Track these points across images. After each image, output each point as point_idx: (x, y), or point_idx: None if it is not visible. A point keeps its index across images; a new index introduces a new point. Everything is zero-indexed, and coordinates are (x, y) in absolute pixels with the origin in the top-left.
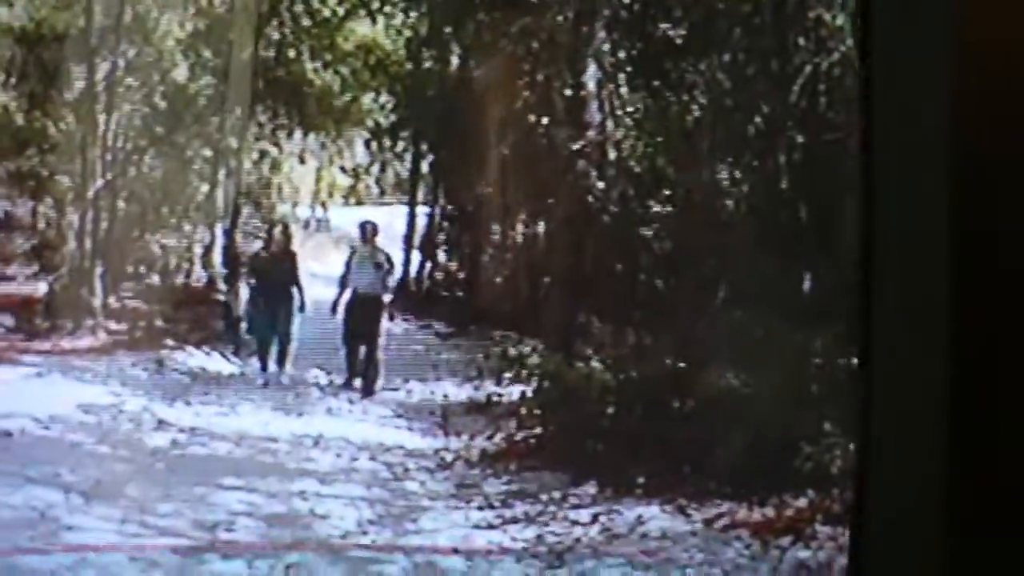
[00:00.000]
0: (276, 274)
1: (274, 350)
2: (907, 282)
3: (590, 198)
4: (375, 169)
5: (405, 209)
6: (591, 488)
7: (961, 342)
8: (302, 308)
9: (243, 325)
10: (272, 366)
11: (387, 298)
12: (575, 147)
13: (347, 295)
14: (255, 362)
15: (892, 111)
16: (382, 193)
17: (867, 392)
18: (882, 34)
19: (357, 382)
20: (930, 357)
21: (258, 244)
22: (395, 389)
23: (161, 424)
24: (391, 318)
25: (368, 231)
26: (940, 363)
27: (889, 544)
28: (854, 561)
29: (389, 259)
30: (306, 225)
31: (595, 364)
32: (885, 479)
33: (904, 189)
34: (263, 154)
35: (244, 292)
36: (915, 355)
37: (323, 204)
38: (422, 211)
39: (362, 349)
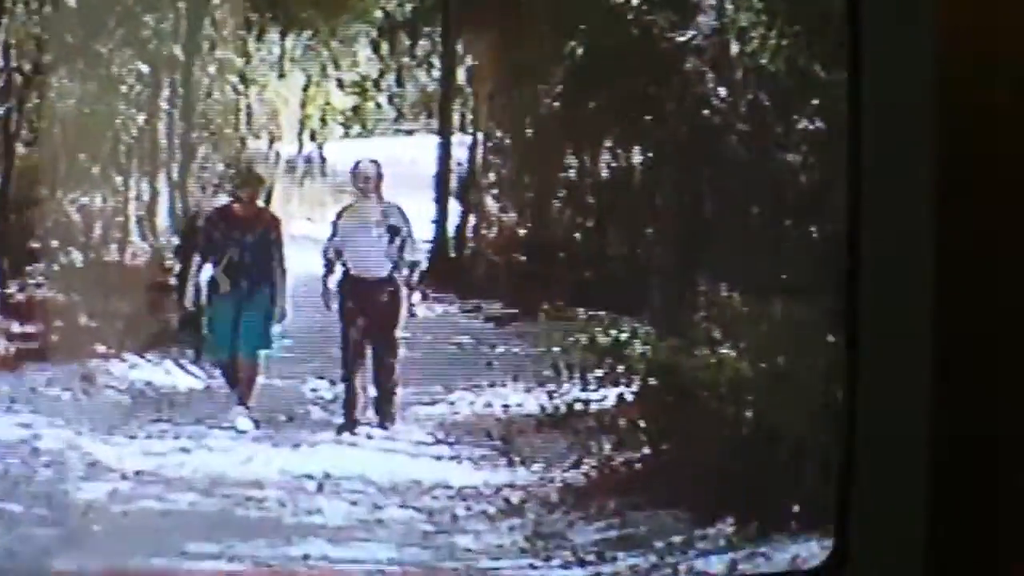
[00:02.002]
0: (247, 251)
1: (248, 360)
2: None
3: (706, 112)
4: (388, 82)
5: (435, 139)
6: (727, 526)
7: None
8: (279, 315)
9: (203, 321)
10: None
11: (404, 276)
12: (681, 39)
13: (337, 275)
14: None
15: (880, 105)
16: (399, 117)
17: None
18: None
19: (362, 409)
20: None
21: (221, 201)
22: (432, 402)
23: (95, 467)
24: (412, 308)
25: (364, 177)
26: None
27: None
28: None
29: (404, 218)
30: (291, 169)
31: (725, 350)
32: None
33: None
34: (224, 66)
35: (204, 270)
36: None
37: (313, 137)
38: (460, 141)
39: (368, 356)
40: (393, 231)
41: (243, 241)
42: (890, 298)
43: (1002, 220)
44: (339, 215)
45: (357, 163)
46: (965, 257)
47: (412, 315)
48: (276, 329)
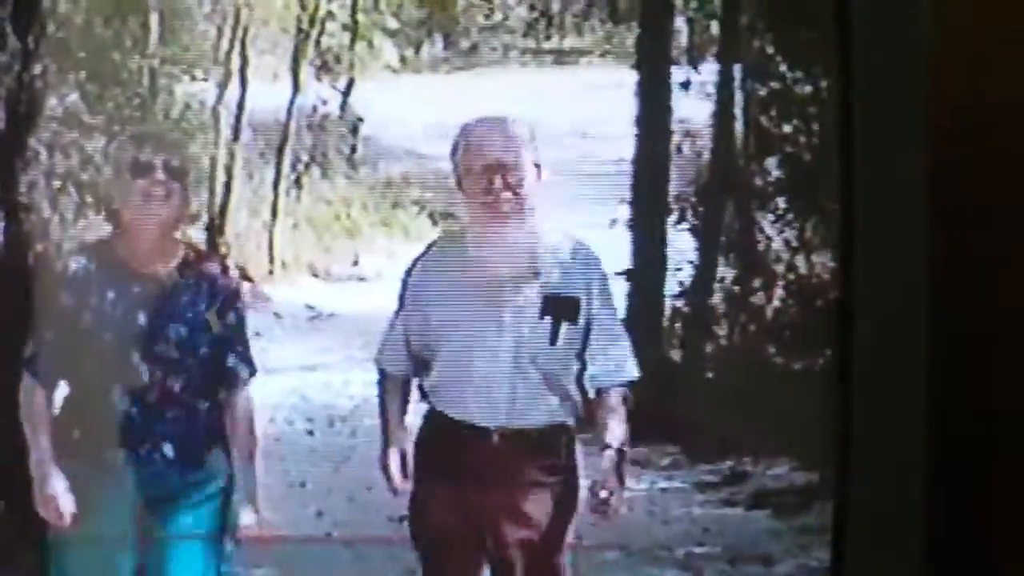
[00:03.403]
0: (172, 352)
1: None
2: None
3: None
4: None
5: (629, 76)
6: None
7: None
8: (237, 516)
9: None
10: None
11: (583, 418)
12: None
13: (414, 413)
14: None
15: (871, 123)
16: (536, 23)
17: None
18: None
19: None
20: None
21: (100, 229)
22: None
23: None
24: (602, 491)
25: (496, 164)
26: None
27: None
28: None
29: (597, 274)
30: (269, 144)
31: None
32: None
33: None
34: None
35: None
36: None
37: (327, 68)
38: (686, 82)
39: None
40: (564, 309)
41: (159, 327)
42: (883, 300)
43: (999, 227)
44: (418, 263)
45: (470, 126)
46: (960, 257)
47: (601, 508)
48: (234, 546)
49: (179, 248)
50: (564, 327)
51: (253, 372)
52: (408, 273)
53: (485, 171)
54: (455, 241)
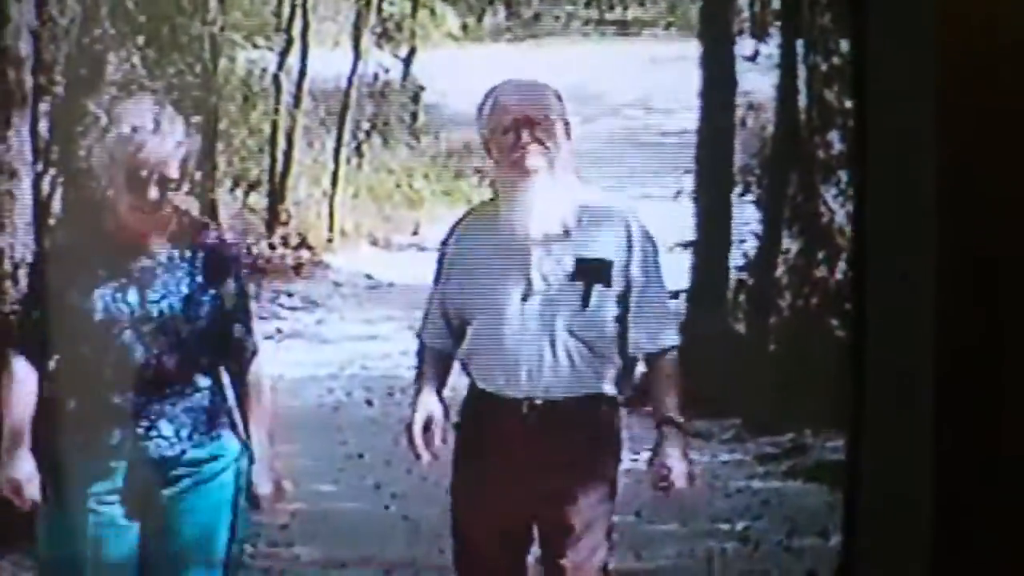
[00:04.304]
0: (171, 333)
1: None
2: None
3: None
4: None
5: (694, 48)
6: None
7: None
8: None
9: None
10: None
11: (620, 393)
12: None
13: (451, 387)
14: None
15: (884, 127)
16: (595, 0)
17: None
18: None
19: None
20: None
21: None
22: None
23: None
24: (666, 472)
25: (517, 124)
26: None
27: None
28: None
29: (642, 235)
30: (330, 114)
31: None
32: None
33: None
34: None
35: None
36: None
37: (387, 35)
38: (751, 53)
39: None
40: (595, 271)
41: (150, 302)
42: (894, 302)
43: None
44: (455, 231)
45: (498, 86)
46: (968, 261)
47: (663, 484)
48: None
49: (170, 219)
50: (596, 290)
51: (255, 346)
52: (444, 242)
53: (513, 125)
54: (489, 206)
